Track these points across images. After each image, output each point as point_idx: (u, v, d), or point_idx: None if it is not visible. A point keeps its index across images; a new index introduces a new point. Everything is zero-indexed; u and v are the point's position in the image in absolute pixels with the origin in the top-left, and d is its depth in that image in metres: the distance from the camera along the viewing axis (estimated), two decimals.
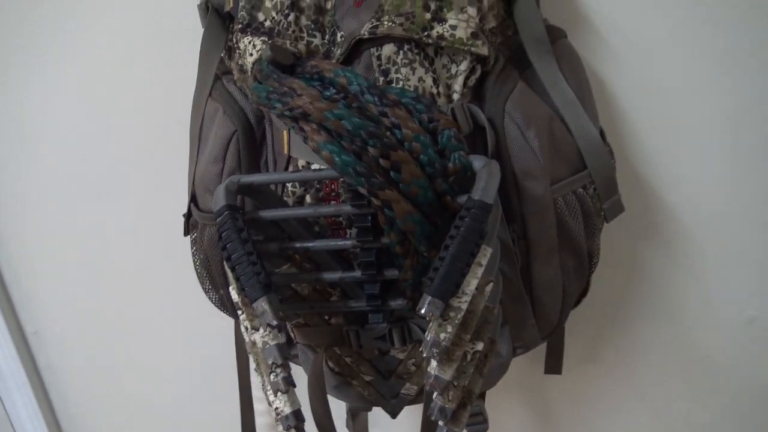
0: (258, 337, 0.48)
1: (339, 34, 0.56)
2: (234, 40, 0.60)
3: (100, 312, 0.97)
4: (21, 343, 1.00)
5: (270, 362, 0.48)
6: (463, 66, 0.55)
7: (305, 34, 0.56)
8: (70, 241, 0.91)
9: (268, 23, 0.57)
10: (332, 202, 0.56)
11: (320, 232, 0.57)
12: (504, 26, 0.61)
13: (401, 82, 0.54)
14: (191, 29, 0.66)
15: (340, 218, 0.56)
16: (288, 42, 0.56)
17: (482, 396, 0.70)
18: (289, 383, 0.49)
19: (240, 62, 0.61)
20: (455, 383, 0.47)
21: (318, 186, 0.56)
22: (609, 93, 0.72)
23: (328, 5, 0.58)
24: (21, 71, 0.84)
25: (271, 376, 0.48)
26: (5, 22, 0.82)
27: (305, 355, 0.62)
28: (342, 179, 0.49)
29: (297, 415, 0.49)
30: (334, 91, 0.50)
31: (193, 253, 0.66)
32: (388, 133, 0.47)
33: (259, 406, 0.73)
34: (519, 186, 0.57)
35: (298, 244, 0.52)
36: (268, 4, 0.56)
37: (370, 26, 0.53)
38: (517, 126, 0.56)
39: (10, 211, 0.92)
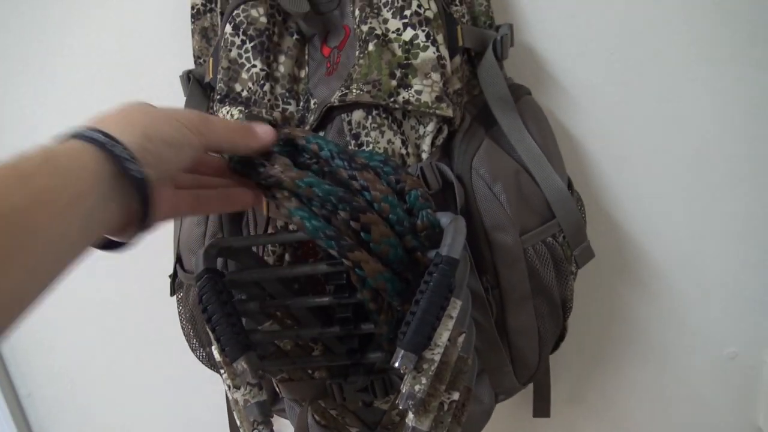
0: (239, 395, 0.49)
1: (312, 101, 0.59)
2: (214, 109, 0.63)
3: (92, 374, 0.98)
4: (15, 406, 1.00)
5: (251, 420, 0.49)
6: (430, 127, 0.58)
7: (280, 102, 0.59)
8: (61, 302, 0.92)
9: (245, 93, 0.60)
10: (310, 260, 0.58)
11: (300, 288, 0.59)
12: (470, 86, 0.64)
13: (371, 145, 0.57)
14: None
15: (319, 275, 0.58)
16: (264, 110, 0.59)
17: None
18: None
19: None
20: None
21: (296, 245, 0.58)
22: (575, 142, 0.75)
23: (302, 74, 0.61)
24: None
25: None
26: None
27: (292, 409, 0.64)
28: None
29: None
30: (306, 156, 0.52)
31: (179, 312, 0.68)
32: (358, 197, 0.50)
33: None
34: (489, 238, 0.59)
35: (278, 302, 0.54)
36: (244, 75, 0.60)
37: (340, 94, 0.56)
38: (484, 181, 0.59)
39: None
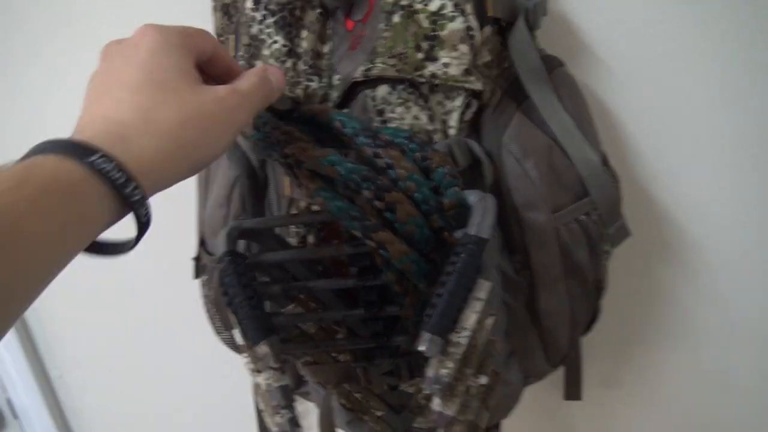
0: (262, 379, 0.49)
1: (335, 77, 0.58)
2: None
3: (122, 356, 1.00)
4: (46, 387, 1.02)
5: (274, 404, 0.48)
6: (458, 102, 0.56)
7: (303, 79, 0.58)
8: (91, 285, 0.93)
9: None
10: (334, 241, 0.57)
11: (324, 270, 0.58)
12: (500, 59, 0.61)
13: (396, 121, 0.55)
14: None
15: (342, 257, 0.57)
16: (287, 87, 0.58)
17: (496, 426, 0.70)
18: (294, 424, 0.49)
19: None
20: (460, 418, 0.47)
21: (319, 226, 0.57)
22: (612, 116, 0.72)
23: (325, 49, 0.59)
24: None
25: (276, 418, 0.49)
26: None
27: (317, 393, 0.63)
28: None
29: None
30: (329, 134, 0.51)
31: (203, 295, 0.68)
32: (382, 175, 0.48)
33: None
34: (520, 217, 0.57)
35: (301, 285, 0.53)
36: (266, 51, 0.58)
37: (364, 69, 0.54)
38: (514, 158, 0.57)
39: None
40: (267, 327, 0.47)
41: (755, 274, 0.76)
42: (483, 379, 0.47)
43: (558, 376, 0.74)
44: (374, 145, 0.49)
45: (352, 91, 0.56)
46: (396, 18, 0.55)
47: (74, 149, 0.34)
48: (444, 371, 0.45)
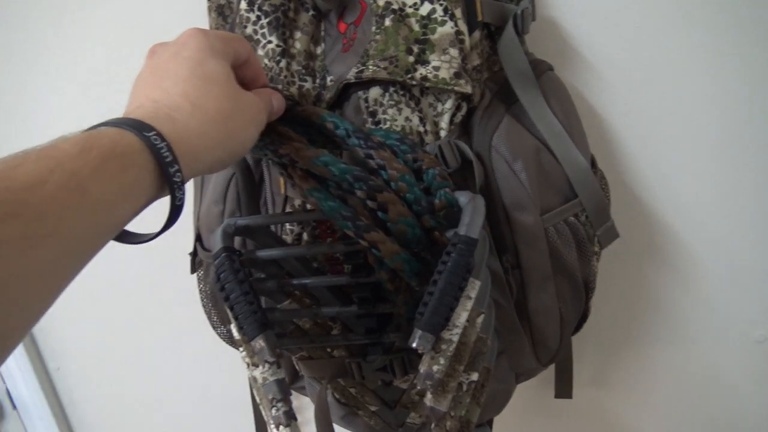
0: (258, 373, 0.50)
1: (329, 78, 0.59)
2: None
3: (120, 348, 1.00)
4: (44, 379, 1.03)
5: (270, 397, 0.49)
6: (449, 104, 0.57)
7: (296, 79, 0.59)
8: (89, 277, 0.94)
9: None
10: (328, 239, 0.58)
11: (318, 267, 0.59)
12: (490, 62, 0.63)
13: (389, 123, 0.56)
14: None
15: (337, 254, 0.58)
16: (280, 86, 0.59)
17: (489, 423, 0.71)
18: (290, 417, 0.50)
19: None
20: (452, 414, 0.48)
21: (314, 224, 0.58)
22: (600, 119, 0.73)
23: (318, 50, 0.60)
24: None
25: (272, 411, 0.50)
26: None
27: (312, 387, 0.64)
28: None
29: None
30: (322, 135, 0.52)
31: (200, 290, 0.69)
32: (374, 176, 0.49)
33: None
34: (509, 217, 0.59)
35: (296, 281, 0.54)
36: (260, 52, 0.59)
37: (356, 71, 0.56)
38: (504, 159, 0.58)
39: None
40: (263, 322, 0.48)
41: (743, 275, 0.77)
42: (474, 376, 0.49)
43: (549, 374, 0.76)
44: (366, 146, 0.50)
45: (345, 92, 0.57)
46: (387, 21, 0.56)
47: (134, 124, 0.36)
48: (436, 367, 0.46)
